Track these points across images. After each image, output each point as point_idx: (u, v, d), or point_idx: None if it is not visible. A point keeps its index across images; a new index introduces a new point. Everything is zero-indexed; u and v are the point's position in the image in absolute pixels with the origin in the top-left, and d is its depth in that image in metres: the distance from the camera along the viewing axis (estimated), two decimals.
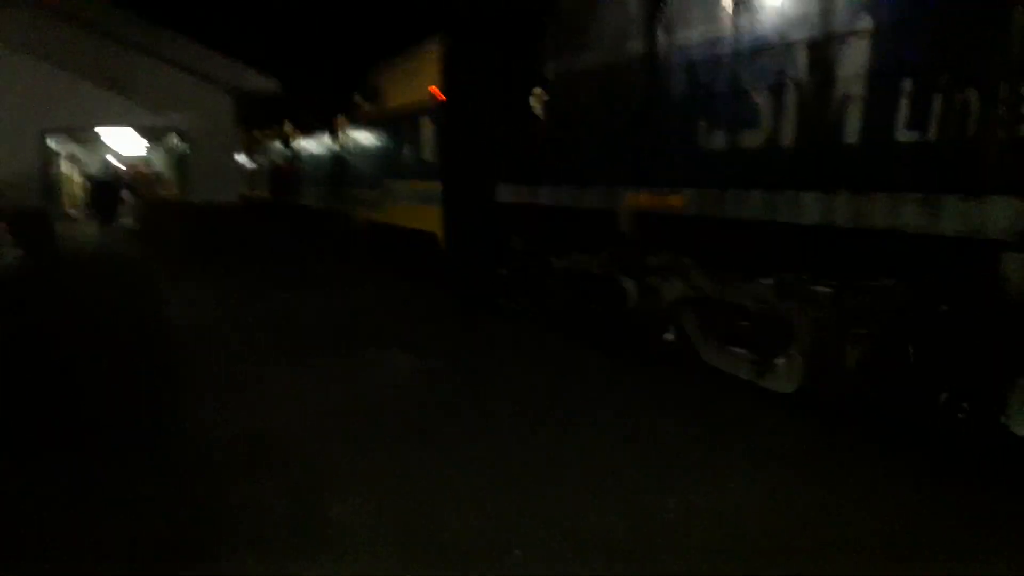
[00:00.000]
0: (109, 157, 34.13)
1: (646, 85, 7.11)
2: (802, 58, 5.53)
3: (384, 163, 13.44)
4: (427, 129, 11.35)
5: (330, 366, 6.91)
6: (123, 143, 29.55)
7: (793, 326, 5.62)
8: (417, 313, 9.52)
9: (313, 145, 19.15)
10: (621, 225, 7.23)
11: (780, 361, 5.80)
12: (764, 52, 5.84)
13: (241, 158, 23.02)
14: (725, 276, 6.20)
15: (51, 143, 24.07)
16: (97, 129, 20.78)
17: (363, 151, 14.68)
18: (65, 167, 28.35)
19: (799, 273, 5.57)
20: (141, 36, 14.66)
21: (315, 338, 8.12)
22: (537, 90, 9.41)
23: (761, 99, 5.93)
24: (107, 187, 19.69)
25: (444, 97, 10.80)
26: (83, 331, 8.53)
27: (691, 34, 6.61)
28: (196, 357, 7.43)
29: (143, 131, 17.98)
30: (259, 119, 22.92)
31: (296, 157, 21.11)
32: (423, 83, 11.35)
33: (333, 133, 16.87)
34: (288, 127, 21.48)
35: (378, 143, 13.80)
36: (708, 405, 5.86)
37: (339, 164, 16.61)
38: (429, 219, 11.25)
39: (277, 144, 23.25)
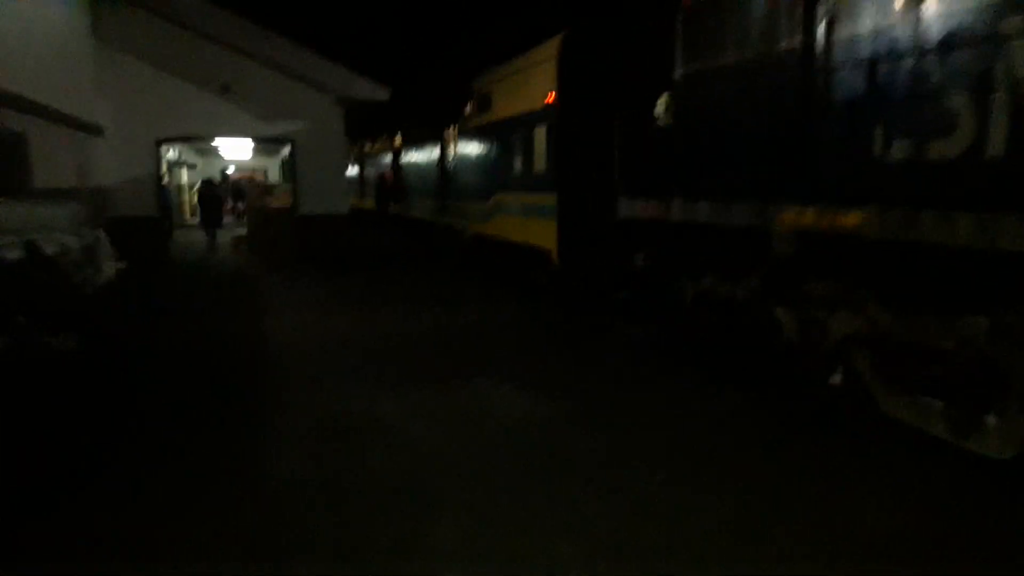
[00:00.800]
0: (226, 167, 35.20)
1: (804, 85, 6.10)
2: (1019, 52, 4.44)
3: (494, 174, 12.77)
4: (541, 138, 10.59)
5: (432, 401, 6.15)
6: (239, 153, 30.32)
7: (1012, 376, 4.49)
8: (528, 338, 8.67)
9: (421, 156, 18.76)
10: (775, 246, 6.20)
11: (991, 419, 4.66)
12: (962, 46, 4.77)
13: (350, 168, 22.97)
14: (914, 312, 5.10)
15: (171, 152, 24.85)
16: (216, 139, 21.14)
17: (472, 162, 14.07)
18: (184, 176, 29.25)
19: (1020, 311, 4.45)
20: (253, 43, 14.54)
21: (419, 363, 7.40)
22: (664, 96, 8.50)
23: (958, 102, 4.85)
24: (212, 196, 19.90)
25: (560, 104, 10.02)
26: (156, 354, 8.12)
27: (861, 25, 5.57)
28: (284, 384, 6.82)
29: (257, 141, 17.98)
30: (367, 129, 22.79)
31: (403, 168, 20.81)
32: (537, 89, 10.61)
33: (442, 143, 16.37)
34: (396, 137, 21.21)
35: (488, 153, 13.15)
36: (902, 473, 4.75)
37: (447, 176, 16.09)
38: (542, 234, 10.46)
39: (385, 155, 23.06)
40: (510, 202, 11.94)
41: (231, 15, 14.54)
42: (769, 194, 6.21)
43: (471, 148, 14.09)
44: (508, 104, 11.93)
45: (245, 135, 16.16)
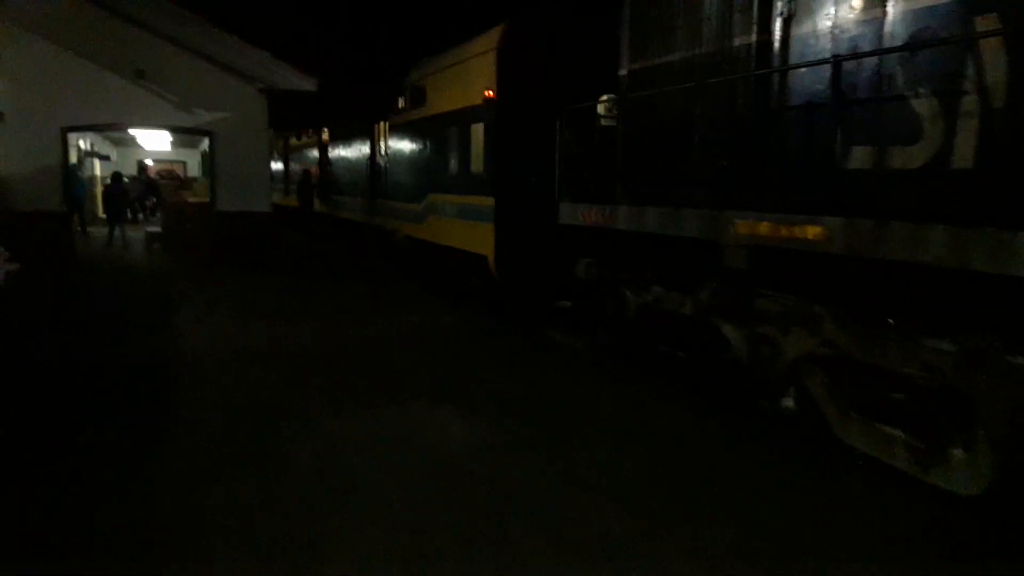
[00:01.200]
0: (144, 159, 33.48)
1: (760, 87, 5.76)
2: (991, 54, 4.16)
3: (428, 174, 12.19)
4: (478, 137, 10.08)
5: (362, 427, 5.57)
6: (157, 144, 28.82)
7: (980, 407, 4.20)
8: (465, 352, 8.09)
9: (350, 152, 18.03)
10: (727, 258, 5.84)
11: (957, 452, 4.37)
12: (929, 46, 4.50)
13: (273, 164, 21.87)
14: (875, 333, 4.79)
15: (82, 142, 23.33)
16: (131, 130, 19.92)
17: (404, 160, 13.46)
18: (97, 168, 27.65)
19: (988, 337, 4.16)
20: (171, 25, 13.53)
21: (346, 382, 6.78)
22: (605, 96, 8.10)
23: (924, 107, 4.57)
24: (116, 191, 18.56)
25: (499, 100, 9.52)
26: (44, 369, 7.30)
27: (821, 22, 5.26)
28: (186, 403, 6.13)
29: (174, 131, 16.89)
30: (293, 122, 21.81)
31: (331, 164, 20.02)
32: (475, 84, 10.10)
33: (372, 139, 15.69)
34: (323, 132, 20.35)
35: (421, 151, 12.57)
36: (868, 507, 4.40)
37: (378, 173, 15.42)
38: (479, 239, 9.95)
39: (311, 149, 22.16)
40: (445, 204, 11.40)
41: None
42: (720, 203, 5.85)
43: (404, 145, 13.48)
44: (444, 99, 11.38)
45: (161, 125, 15.14)
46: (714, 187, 6.06)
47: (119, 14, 13.49)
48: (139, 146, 30.29)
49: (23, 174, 13.23)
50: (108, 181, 19.73)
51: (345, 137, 18.35)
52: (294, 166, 24.58)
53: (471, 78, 10.27)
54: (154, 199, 25.93)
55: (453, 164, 11.05)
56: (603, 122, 8.22)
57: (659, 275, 7.00)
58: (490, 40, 9.71)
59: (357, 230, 17.36)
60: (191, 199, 16.18)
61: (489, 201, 9.67)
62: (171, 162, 34.14)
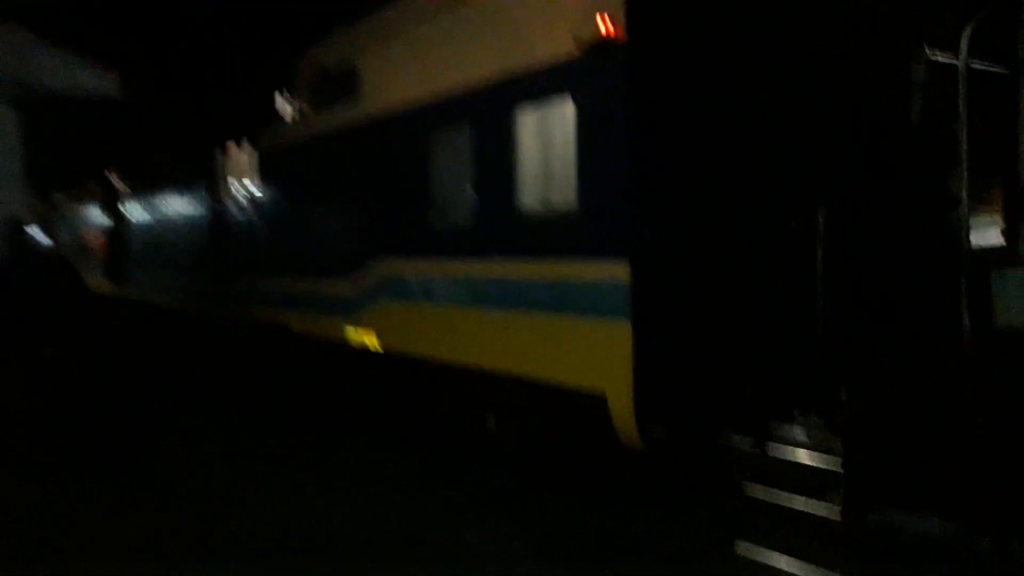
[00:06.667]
0: None
1: None
2: None
3: (375, 220, 6.53)
4: (561, 128, 4.67)
5: None
6: None
7: None
8: None
9: (175, 199, 11.49)
10: None
11: None
12: None
13: (36, 228, 14.45)
14: None
15: None
16: None
17: (304, 201, 7.61)
18: None
19: None
20: None
21: None
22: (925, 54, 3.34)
23: None
24: None
25: (634, 40, 4.16)
26: None
27: None
28: None
29: None
30: (68, 156, 14.76)
31: (132, 227, 13.29)
32: (532, 24, 4.74)
33: (215, 174, 9.47)
34: (113, 172, 13.58)
35: (355, 179, 6.87)
36: None
37: (231, 230, 9.25)
38: (572, 358, 4.57)
39: (97, 201, 15.00)
40: (436, 278, 5.78)
41: None
42: None
43: (302, 175, 7.70)
44: (420, 75, 5.86)
45: None
46: None
47: None
48: None
49: None
50: None
51: (164, 174, 11.96)
52: (67, 230, 17.25)
53: (522, 10, 4.87)
54: None
55: (465, 195, 5.49)
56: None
57: None
58: None
59: (203, 329, 10.77)
60: None
61: (611, 271, 4.24)
62: None
